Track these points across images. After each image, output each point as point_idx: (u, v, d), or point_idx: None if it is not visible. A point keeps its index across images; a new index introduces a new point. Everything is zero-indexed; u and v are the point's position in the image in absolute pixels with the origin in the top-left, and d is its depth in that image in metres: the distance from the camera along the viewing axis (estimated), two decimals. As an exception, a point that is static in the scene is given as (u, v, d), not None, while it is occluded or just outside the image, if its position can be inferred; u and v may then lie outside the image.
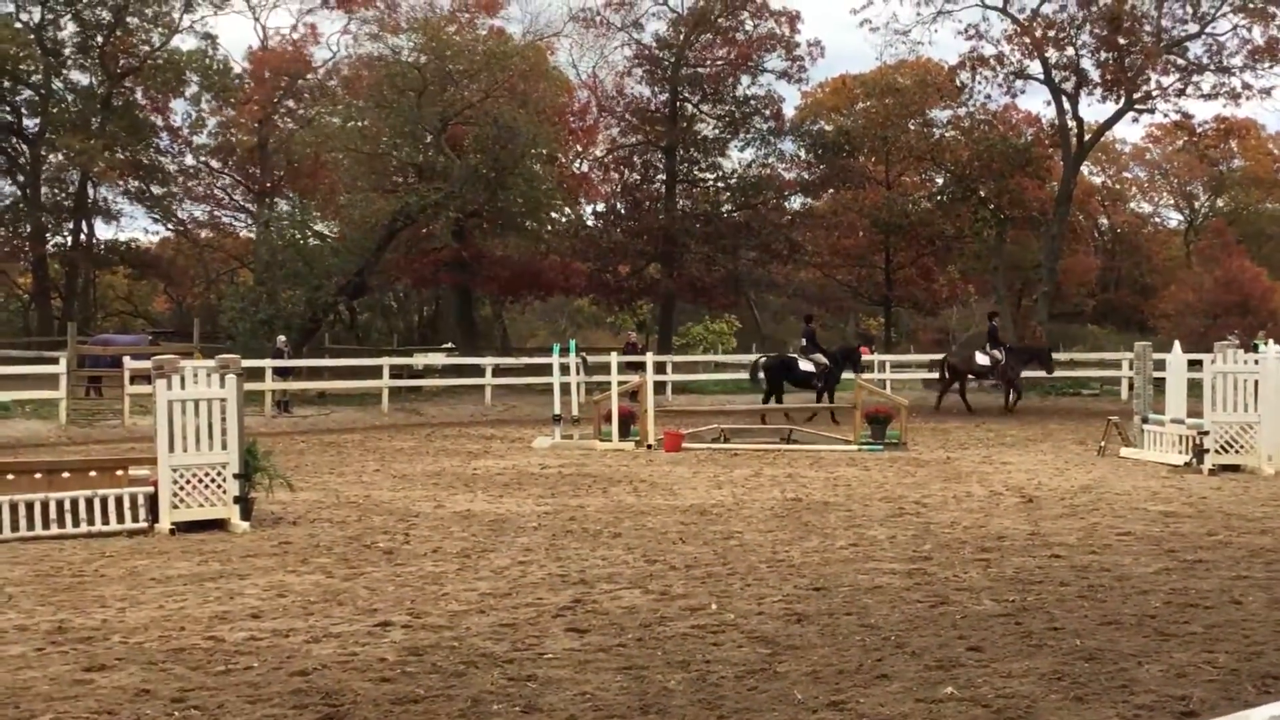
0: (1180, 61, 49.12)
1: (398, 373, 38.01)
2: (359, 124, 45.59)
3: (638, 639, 8.63)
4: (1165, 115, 51.63)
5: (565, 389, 26.42)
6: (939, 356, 39.20)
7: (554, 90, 48.55)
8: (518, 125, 41.84)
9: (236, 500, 14.22)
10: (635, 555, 12.09)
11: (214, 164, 62.15)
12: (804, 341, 32.16)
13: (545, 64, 49.56)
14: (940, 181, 57.20)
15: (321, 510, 15.56)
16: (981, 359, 34.82)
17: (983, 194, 53.49)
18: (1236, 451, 19.57)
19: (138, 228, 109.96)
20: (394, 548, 12.66)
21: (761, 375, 31.71)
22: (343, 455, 23.50)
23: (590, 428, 25.86)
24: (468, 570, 11.36)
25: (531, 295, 55.19)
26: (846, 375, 31.83)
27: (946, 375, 35.38)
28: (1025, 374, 35.32)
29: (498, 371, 38.89)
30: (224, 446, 14.25)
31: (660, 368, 37.97)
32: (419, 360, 41.31)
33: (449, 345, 46.43)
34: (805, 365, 31.18)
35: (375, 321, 57.20)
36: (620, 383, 25.91)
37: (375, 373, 36.24)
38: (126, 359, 30.89)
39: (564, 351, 27.05)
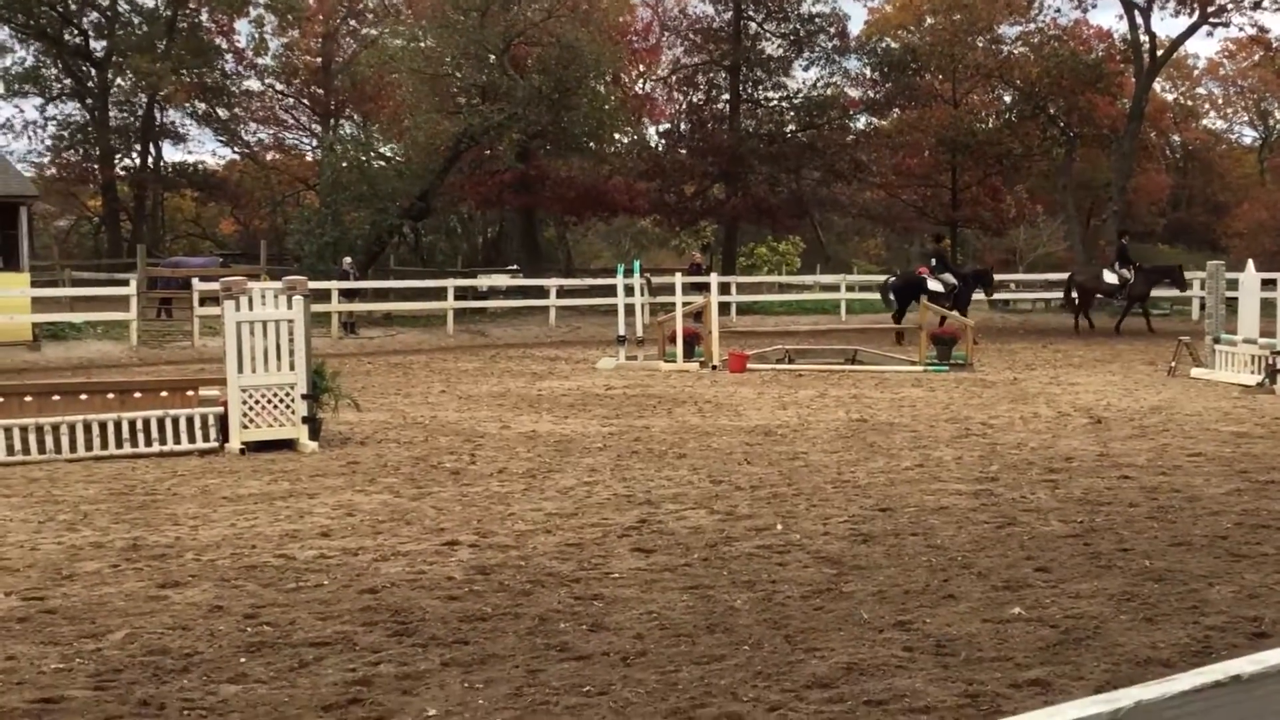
0: (1258, -28, 48.01)
1: (462, 294, 38.14)
2: (422, 44, 45.44)
3: (703, 559, 8.65)
4: (1241, 29, 50.68)
5: (629, 310, 26.41)
6: (1007, 276, 38.85)
7: (616, 9, 48.18)
8: (580, 45, 41.55)
9: (305, 420, 14.35)
10: (700, 476, 12.10)
11: (278, 86, 62.29)
12: (933, 261, 32.00)
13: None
14: (1008, 99, 56.39)
15: (388, 431, 15.67)
16: (1110, 277, 34.26)
17: (1052, 112, 52.71)
18: (1310, 372, 19.29)
19: (205, 151, 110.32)
20: (460, 468, 12.74)
21: (891, 296, 31.62)
22: (409, 376, 23.65)
23: (655, 349, 25.86)
24: (533, 490, 11.42)
25: (595, 216, 55.08)
26: (977, 296, 31.84)
27: (1075, 295, 34.81)
28: (1156, 292, 34.81)
29: (562, 293, 38.94)
30: (291, 368, 14.36)
31: (724, 288, 37.83)
32: (483, 282, 41.44)
33: (513, 267, 46.51)
34: (934, 285, 31.00)
35: (440, 243, 57.37)
36: (685, 304, 25.86)
37: (440, 294, 36.39)
38: (195, 280, 31.16)
39: (628, 272, 27.01)
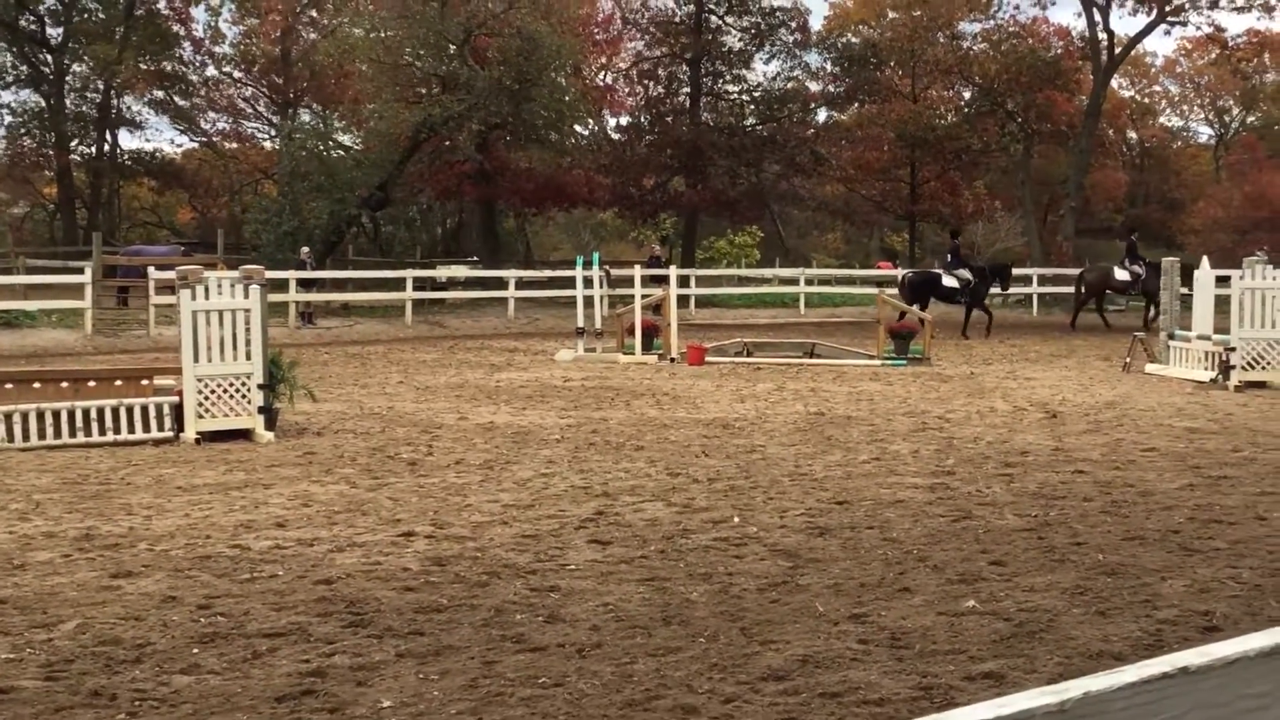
0: (1215, -28, 48.48)
1: (421, 285, 38.03)
2: (382, 34, 45.25)
3: (660, 551, 8.66)
4: (1198, 28, 51.19)
5: (588, 302, 26.40)
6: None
7: (578, 1, 48.09)
8: (541, 36, 41.48)
9: (261, 410, 14.28)
10: (658, 468, 12.11)
11: (237, 74, 61.87)
12: (949, 256, 32.13)
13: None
14: (967, 95, 56.72)
15: (345, 421, 15.62)
16: (1120, 274, 34.28)
17: (1010, 108, 53.04)
18: (1263, 368, 19.47)
19: (163, 139, 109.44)
20: (417, 459, 12.71)
21: (909, 292, 31.78)
22: (366, 367, 23.57)
23: (613, 341, 25.86)
24: (490, 482, 11.40)
25: (555, 208, 55.04)
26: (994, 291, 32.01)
27: (1083, 291, 34.79)
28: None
29: (521, 284, 38.89)
30: (248, 357, 14.28)
31: (684, 281, 37.85)
32: (442, 273, 41.32)
33: (473, 258, 46.39)
34: (949, 281, 31.14)
35: (398, 234, 57.12)
36: (643, 296, 25.87)
37: (399, 285, 36.29)
38: (151, 269, 30.94)
39: (587, 264, 26.99)
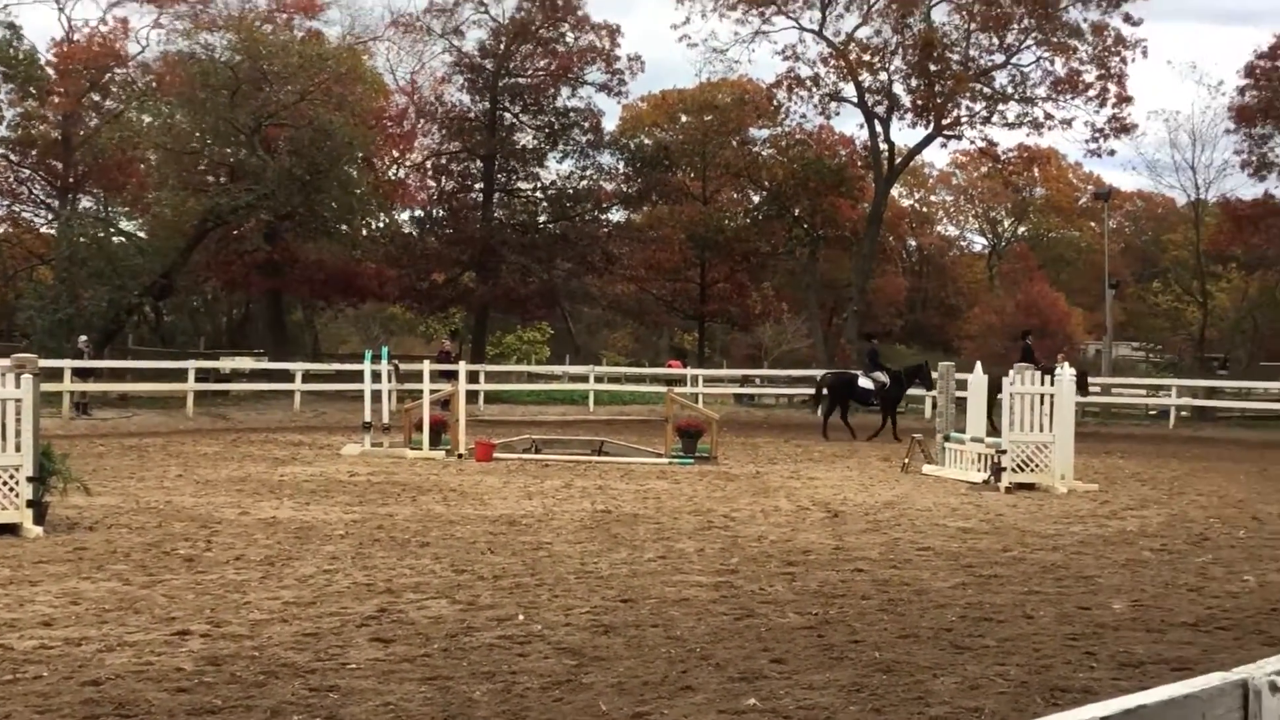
0: (987, 90, 50.80)
1: (204, 376, 37.17)
2: (169, 121, 44.51)
3: (443, 649, 8.56)
4: (972, 141, 53.48)
5: (376, 396, 26.10)
6: (750, 371, 39.46)
7: (371, 94, 48.05)
8: (334, 128, 41.31)
9: (30, 504, 13.73)
10: (443, 565, 11.99)
11: (12, 157, 59.94)
12: (867, 359, 32.32)
13: (362, 67, 48.98)
14: (757, 199, 58.04)
15: (120, 515, 15.11)
16: (864, 382, 34.34)
17: (797, 212, 54.49)
18: (1032, 470, 20.16)
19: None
20: (195, 555, 12.35)
21: (825, 391, 31.85)
22: (144, 459, 22.88)
23: (401, 436, 25.59)
24: (271, 578, 11.14)
25: (344, 301, 54.42)
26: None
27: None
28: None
29: (307, 377, 38.31)
30: (18, 449, 13.75)
31: (473, 377, 37.73)
32: (226, 364, 40.47)
33: (258, 350, 45.56)
34: (865, 382, 31.31)
35: (181, 323, 55.80)
36: (432, 391, 25.70)
37: (180, 375, 35.42)
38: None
39: (375, 358, 26.74)
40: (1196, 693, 2.07)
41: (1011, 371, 20.93)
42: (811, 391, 41.74)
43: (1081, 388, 34.30)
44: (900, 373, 32.15)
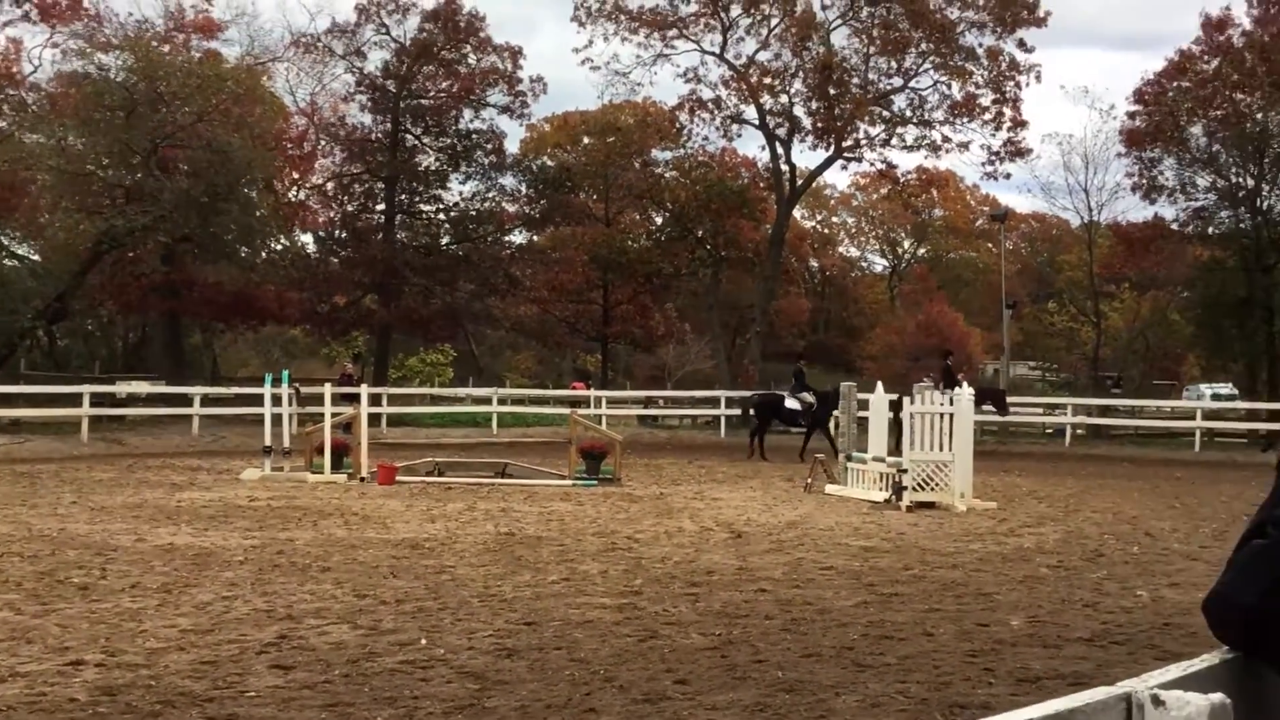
0: (886, 113, 51.36)
1: (99, 401, 36.54)
2: (63, 142, 43.79)
3: (344, 675, 8.48)
4: (871, 164, 54.00)
5: (276, 420, 25.83)
6: (654, 393, 39.52)
7: (271, 116, 47.61)
8: (232, 149, 40.88)
9: (-82, 533, 13.42)
10: (345, 590, 11.88)
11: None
12: (794, 381, 32.31)
13: (261, 89, 48.50)
14: (659, 220, 58.22)
15: (11, 544, 14.80)
16: (790, 403, 34.38)
17: (700, 234, 54.70)
18: (932, 489, 20.39)
19: None
20: (89, 583, 12.13)
21: (752, 412, 31.80)
22: (36, 486, 22.43)
23: (302, 460, 25.34)
24: (168, 606, 10.97)
25: (244, 324, 53.77)
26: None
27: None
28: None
29: (206, 401, 37.83)
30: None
31: (375, 400, 37.47)
32: (122, 389, 39.82)
33: (155, 375, 44.88)
34: (791, 403, 31.32)
35: (76, 347, 54.86)
36: (334, 414, 25.49)
37: (74, 400, 34.78)
38: None
39: (276, 382, 26.47)
40: (1081, 706, 2.11)
41: (913, 392, 21.17)
42: (714, 413, 42.09)
43: (1002, 407, 35.37)
44: (828, 393, 32.26)
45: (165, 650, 9.18)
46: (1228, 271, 45.62)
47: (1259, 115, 46.35)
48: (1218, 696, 2.25)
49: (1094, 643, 9.99)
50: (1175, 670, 2.42)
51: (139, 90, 41.98)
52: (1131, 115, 49.11)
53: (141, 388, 40.43)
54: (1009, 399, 36.28)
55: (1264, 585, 2.56)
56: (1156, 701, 2.23)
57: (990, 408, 36.28)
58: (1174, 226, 49.47)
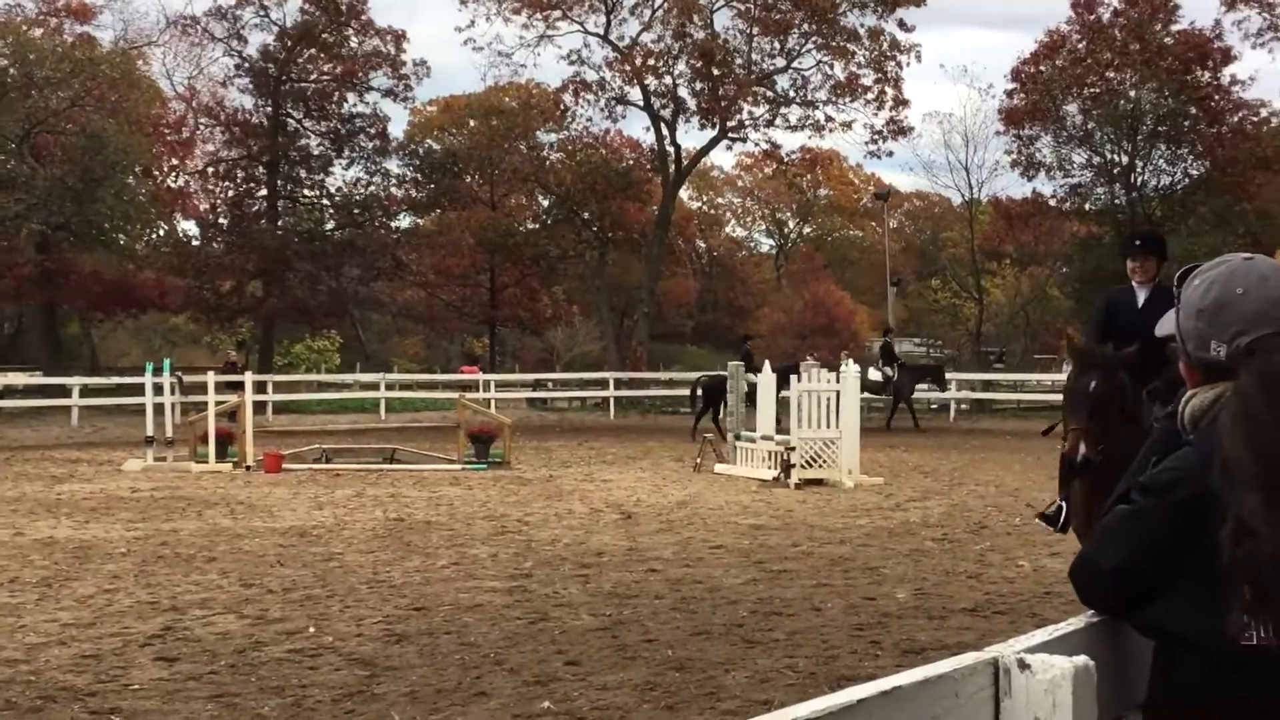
0: (769, 94, 51.69)
1: (-26, 393, 35.73)
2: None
3: (231, 666, 8.40)
4: (756, 144, 54.33)
5: (159, 409, 25.43)
6: (543, 375, 39.46)
7: (147, 101, 46.80)
8: (107, 135, 40.14)
9: None
10: (230, 579, 11.75)
11: None
12: (741, 361, 32.11)
13: (137, 73, 47.66)
14: (546, 203, 58.14)
15: (-115, 541, 14.45)
16: (874, 375, 35.10)
17: (586, 216, 54.70)
18: (820, 466, 20.58)
19: None
20: (-34, 579, 11.88)
21: (699, 393, 31.61)
22: (-89, 482, 21.90)
23: (186, 450, 24.98)
24: (48, 600, 10.78)
25: (123, 312, 52.82)
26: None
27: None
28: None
29: (85, 392, 37.14)
30: None
31: (260, 387, 36.97)
32: (-2, 380, 38.95)
33: (32, 366, 43.96)
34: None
35: (-52, 339, 53.69)
36: (218, 402, 25.15)
37: (-51, 394, 33.99)
38: None
39: (157, 371, 26.05)
40: (949, 672, 2.16)
41: (800, 369, 21.34)
42: (603, 394, 42.16)
43: (940, 382, 36.46)
44: (781, 370, 32.59)
45: (46, 645, 9.02)
46: (1104, 246, 46.49)
47: (1131, 93, 47.31)
48: (1081, 659, 2.32)
49: (978, 613, 10.17)
50: (1041, 635, 2.48)
51: (10, 75, 41.11)
52: (1009, 94, 49.93)
53: (18, 379, 39.56)
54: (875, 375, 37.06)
55: (1127, 550, 2.63)
56: (1022, 665, 2.28)
57: (930, 384, 37.26)
58: (1052, 203, 50.42)
